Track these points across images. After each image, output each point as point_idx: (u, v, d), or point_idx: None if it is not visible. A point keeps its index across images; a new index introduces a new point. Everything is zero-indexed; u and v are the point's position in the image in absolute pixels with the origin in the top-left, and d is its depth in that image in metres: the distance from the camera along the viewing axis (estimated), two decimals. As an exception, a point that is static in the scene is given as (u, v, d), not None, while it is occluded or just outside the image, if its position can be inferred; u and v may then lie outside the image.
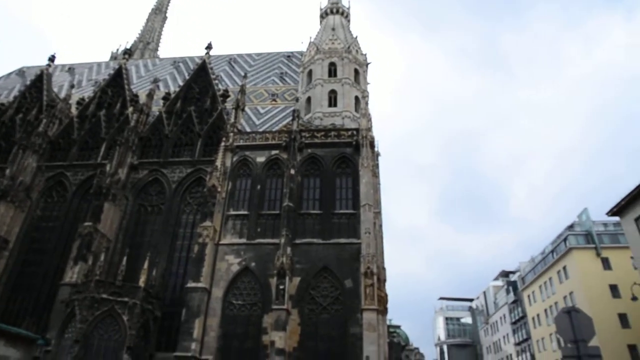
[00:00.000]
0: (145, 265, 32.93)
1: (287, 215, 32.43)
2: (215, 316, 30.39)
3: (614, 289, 46.26)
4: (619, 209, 40.95)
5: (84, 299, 30.03)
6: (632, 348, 43.69)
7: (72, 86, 51.37)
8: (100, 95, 46.85)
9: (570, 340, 6.98)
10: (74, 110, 46.24)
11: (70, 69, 60.59)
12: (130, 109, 43.74)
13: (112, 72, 50.71)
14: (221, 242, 32.91)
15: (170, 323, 32.86)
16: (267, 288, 30.56)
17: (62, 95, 49.58)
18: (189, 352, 28.42)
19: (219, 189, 34.29)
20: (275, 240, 31.82)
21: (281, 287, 29.66)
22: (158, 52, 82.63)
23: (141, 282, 32.20)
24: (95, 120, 44.36)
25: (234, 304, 30.98)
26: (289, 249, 30.98)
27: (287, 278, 29.92)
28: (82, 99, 47.60)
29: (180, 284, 34.31)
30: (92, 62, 63.24)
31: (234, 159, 36.79)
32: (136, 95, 46.73)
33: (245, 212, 34.22)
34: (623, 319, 44.99)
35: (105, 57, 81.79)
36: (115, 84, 47.95)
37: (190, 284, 30.77)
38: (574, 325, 7.01)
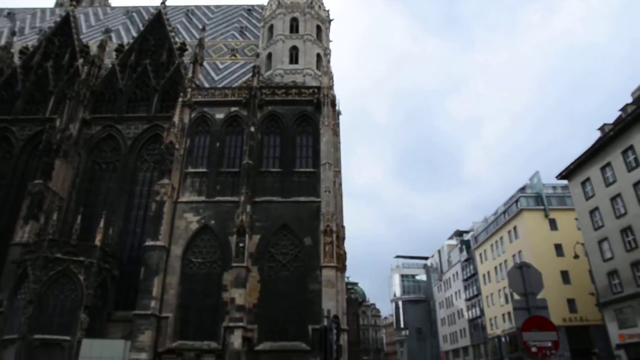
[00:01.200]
0: (101, 224, 32.13)
1: (246, 173, 32.02)
2: (174, 274, 30.22)
3: (558, 248, 48.86)
4: (568, 173, 42.86)
5: (36, 258, 29.13)
6: (570, 302, 46.99)
7: (13, 33, 47.65)
8: (46, 44, 43.75)
9: (520, 293, 7.24)
10: (16, 60, 43.26)
11: (10, 14, 55.68)
12: (81, 61, 41.27)
13: (58, 19, 47.28)
14: (180, 200, 32.32)
15: (129, 282, 32.47)
16: (226, 246, 30.48)
17: (2, 42, 46.15)
18: (149, 310, 28.29)
19: (177, 146, 33.33)
20: (235, 198, 31.50)
21: (241, 245, 29.64)
22: (109, 0, 77.56)
23: (97, 241, 31.48)
24: (42, 72, 41.57)
25: (194, 262, 30.83)
26: (248, 207, 30.79)
27: (246, 236, 29.88)
28: (26, 47, 44.36)
29: (138, 242, 33.75)
30: (35, 7, 58.30)
31: (192, 115, 35.69)
32: (86, 46, 44.03)
33: (204, 170, 33.57)
34: (565, 275, 47.88)
35: (50, 3, 76.07)
36: (62, 32, 44.85)
37: (149, 243, 30.29)
38: (524, 279, 7.29)
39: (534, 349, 6.53)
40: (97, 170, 37.18)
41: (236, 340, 27.35)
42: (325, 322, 6.57)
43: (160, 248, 29.98)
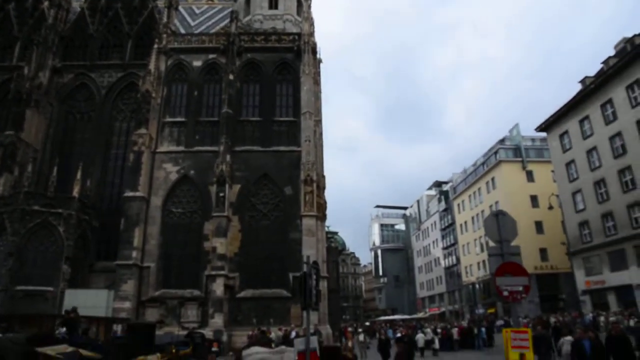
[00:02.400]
0: (78, 176, 31.58)
1: (226, 122, 31.48)
2: (155, 224, 30.19)
3: (534, 200, 50.08)
4: (547, 126, 43.26)
5: (13, 211, 28.72)
6: (542, 251, 48.80)
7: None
8: (7, -15, 41.15)
9: (495, 240, 7.36)
10: (-26, 3, 40.68)
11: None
12: (46, 4, 38.84)
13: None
14: (158, 150, 31.77)
15: (110, 233, 32.33)
16: (207, 196, 30.40)
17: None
18: (130, 260, 28.43)
19: (154, 95, 32.35)
20: (215, 148, 31.11)
21: (221, 194, 29.60)
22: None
23: (75, 192, 31.06)
24: (4, 15, 39.08)
25: (174, 212, 30.76)
26: (228, 157, 30.50)
27: (227, 185, 29.79)
28: (-16, -11, 41.71)
29: (117, 193, 33.40)
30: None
31: (169, 62, 34.46)
32: (52, -12, 41.51)
33: (183, 119, 32.86)
34: (539, 226, 49.42)
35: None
36: (24, -27, 42.09)
37: (128, 193, 30.00)
38: (500, 226, 7.41)
39: (505, 293, 6.75)
40: (71, 120, 36.08)
41: (218, 288, 27.88)
42: (305, 268, 6.63)
43: (139, 199, 29.75)
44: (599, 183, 36.41)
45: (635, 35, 35.46)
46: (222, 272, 28.22)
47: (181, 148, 31.92)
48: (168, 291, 28.92)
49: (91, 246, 32.34)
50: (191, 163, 31.44)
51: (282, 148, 31.72)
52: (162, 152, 31.72)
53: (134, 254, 28.66)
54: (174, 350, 8.17)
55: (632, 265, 33.05)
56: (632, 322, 29.04)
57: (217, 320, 27.06)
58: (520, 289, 6.73)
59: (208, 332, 24.14)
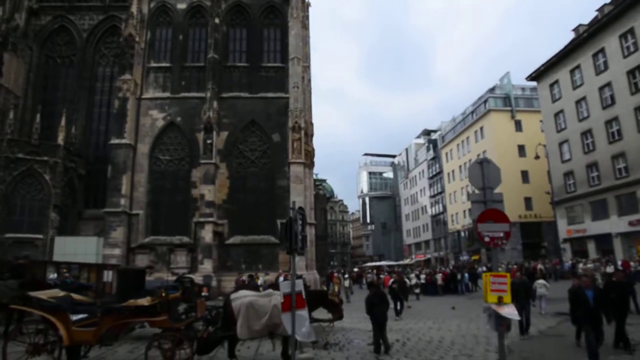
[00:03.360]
0: (63, 123, 30.98)
1: (212, 67, 30.63)
2: (142, 172, 30.01)
3: (521, 149, 50.42)
4: (538, 75, 42.80)
5: (-3, 158, 28.32)
6: (527, 200, 49.71)
7: None
8: None
9: (479, 187, 7.38)
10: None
11: None
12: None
13: None
14: (143, 96, 31.02)
15: (97, 180, 32.24)
16: (194, 143, 30.09)
17: None
18: (119, 208, 28.45)
19: (137, 39, 31.18)
20: (201, 94, 30.44)
21: (209, 141, 29.30)
22: None
23: (60, 140, 30.59)
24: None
25: (161, 159, 30.52)
26: (215, 103, 29.94)
27: (214, 132, 29.45)
28: None
29: (103, 141, 32.95)
30: None
31: (152, 5, 32.96)
32: None
33: (168, 65, 31.88)
34: (525, 175, 50.07)
35: None
36: None
37: (114, 141, 29.56)
38: (484, 174, 7.39)
39: (487, 239, 6.86)
40: (52, 65, 34.88)
41: (207, 234, 28.20)
42: (291, 214, 6.67)
43: (126, 146, 29.37)
44: (586, 134, 36.64)
45: (632, -18, 34.53)
46: (210, 219, 28.44)
47: (167, 94, 31.19)
48: (157, 238, 29.21)
49: (79, 194, 32.29)
50: (177, 110, 30.86)
51: (269, 95, 31.14)
52: (147, 99, 31.01)
53: (122, 201, 28.63)
54: (163, 294, 8.27)
55: (613, 214, 33.94)
56: (609, 269, 30.28)
57: (207, 266, 27.58)
58: (501, 235, 6.84)
59: (197, 278, 24.60)
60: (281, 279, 18.78)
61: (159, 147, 30.62)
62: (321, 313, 10.13)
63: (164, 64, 31.86)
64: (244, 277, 21.13)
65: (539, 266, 33.07)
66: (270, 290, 8.88)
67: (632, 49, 32.25)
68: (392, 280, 17.83)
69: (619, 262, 30.74)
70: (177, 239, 29.17)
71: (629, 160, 32.46)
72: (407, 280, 26.05)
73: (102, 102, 34.33)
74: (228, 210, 29.57)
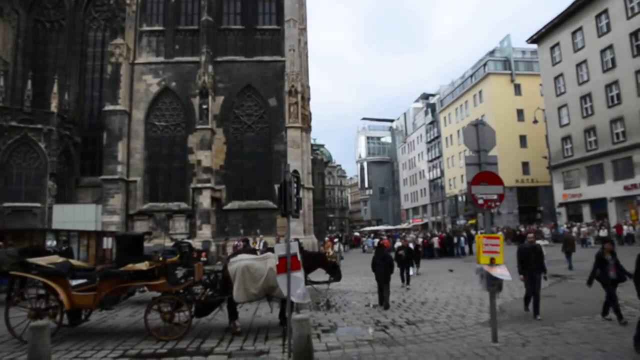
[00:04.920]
0: (55, 89, 30.53)
1: (206, 31, 29.97)
2: (138, 138, 29.83)
3: (520, 113, 50.03)
4: (539, 37, 41.99)
5: (-11, 126, 28.03)
6: (525, 164, 49.70)
7: None
8: None
9: (474, 150, 7.35)
10: None
11: None
12: None
13: None
14: (137, 61, 30.48)
15: (93, 148, 32.13)
16: (190, 108, 29.79)
17: None
18: (116, 175, 28.44)
19: (128, 1, 30.39)
20: (196, 58, 29.91)
21: (204, 106, 29.01)
22: None
23: (53, 107, 30.24)
24: None
25: (157, 125, 30.27)
26: (210, 67, 29.45)
27: (210, 97, 29.11)
28: None
29: (98, 107, 32.63)
30: None
31: (142, -36, 31.95)
32: None
33: (161, 28, 31.15)
34: (522, 139, 49.88)
35: None
36: None
37: (108, 107, 29.24)
38: (479, 136, 7.35)
39: (480, 201, 6.89)
40: (41, 30, 34.10)
41: (205, 200, 28.33)
42: (285, 177, 6.66)
43: (121, 112, 29.08)
44: (585, 97, 36.31)
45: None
46: (208, 185, 28.50)
47: (161, 59, 30.62)
48: (155, 204, 29.34)
49: (75, 162, 32.19)
50: (172, 74, 30.38)
51: (265, 58, 30.59)
52: (141, 64, 30.47)
53: (119, 168, 28.59)
54: (160, 259, 8.36)
55: (609, 179, 34.07)
56: (603, 232, 30.71)
57: (205, 232, 27.83)
58: (495, 197, 6.87)
59: (196, 243, 24.87)
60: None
61: (154, 113, 30.33)
62: (319, 276, 10.29)
63: (156, 28, 31.14)
64: (237, 242, 21.32)
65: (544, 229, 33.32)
66: (268, 254, 8.96)
67: (636, 9, 31.53)
68: (397, 245, 17.23)
69: (612, 226, 31.18)
70: (175, 205, 29.31)
71: (627, 125, 32.32)
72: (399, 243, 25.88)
73: (95, 67, 33.78)
74: (225, 176, 29.59)
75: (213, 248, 27.04)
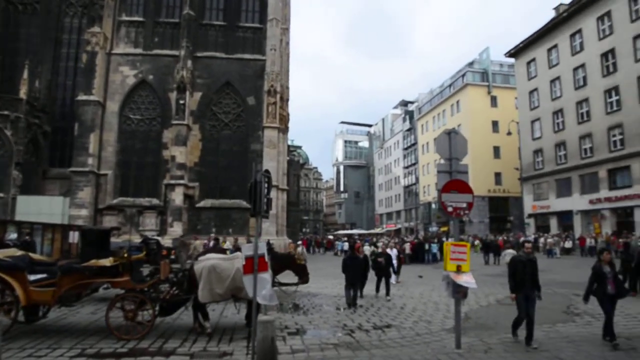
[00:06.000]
0: (25, 75, 29.58)
1: (187, 24, 29.61)
2: (111, 131, 29.20)
3: (495, 125, 51.12)
4: (516, 51, 43.00)
5: (-47, 110, 26.94)
6: (497, 175, 50.84)
7: None
8: None
9: (445, 158, 7.42)
10: None
11: None
12: None
13: None
14: (114, 51, 29.87)
15: (64, 138, 31.22)
16: (166, 102, 29.32)
17: None
18: (86, 167, 27.78)
19: (107, -11, 29.77)
20: (175, 52, 29.49)
21: (181, 102, 28.62)
22: None
23: (22, 93, 29.28)
24: None
25: (132, 118, 29.69)
26: (189, 62, 29.08)
27: (187, 93, 28.73)
28: None
29: (71, 97, 31.70)
30: None
31: (124, -48, 31.34)
32: None
33: (141, 19, 30.59)
34: (496, 150, 51.06)
35: None
36: None
37: (82, 97, 28.56)
38: (451, 144, 7.42)
39: (450, 209, 6.96)
40: (12, 12, 32.91)
41: (177, 197, 27.91)
42: (256, 176, 6.59)
43: (94, 103, 28.43)
44: (557, 113, 37.31)
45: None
46: (181, 182, 28.09)
47: (139, 50, 30.07)
48: (126, 199, 28.75)
49: (44, 152, 31.19)
50: (150, 67, 29.86)
51: (246, 56, 30.37)
52: (118, 54, 29.87)
53: (90, 160, 27.93)
54: (125, 255, 8.14)
55: (576, 192, 35.06)
56: (568, 244, 31.57)
57: (176, 229, 27.38)
58: (464, 205, 6.95)
59: (166, 240, 24.44)
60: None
61: (130, 106, 29.75)
62: (288, 277, 10.21)
63: (136, 18, 30.58)
64: (203, 240, 21.06)
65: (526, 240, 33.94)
66: (236, 254, 8.84)
67: (607, 32, 32.63)
68: (366, 249, 16.64)
69: (577, 238, 32.09)
70: (146, 201, 28.77)
71: (595, 142, 33.36)
72: (369, 247, 25.05)
73: (70, 55, 32.83)
74: (200, 173, 29.22)
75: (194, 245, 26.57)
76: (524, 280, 7.37)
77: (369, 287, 13.07)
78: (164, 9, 31.02)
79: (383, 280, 13.15)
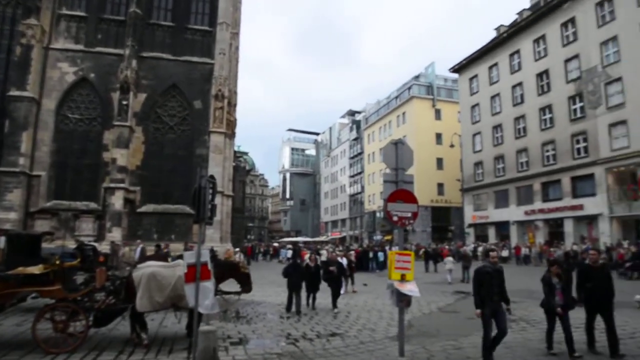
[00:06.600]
0: (-53, 64, 27.42)
1: (133, 23, 28.52)
2: (47, 130, 27.51)
3: (438, 137, 53.19)
4: (460, 67, 44.99)
5: None
6: (440, 185, 52.84)
7: None
8: None
9: (392, 167, 7.51)
10: None
11: None
12: None
13: None
14: (52, 46, 28.22)
15: (-9, 136, 29.09)
16: (108, 103, 28.03)
17: None
18: (17, 168, 25.97)
19: (46, -21, 28.21)
20: (119, 51, 28.29)
21: (124, 102, 27.47)
22: None
23: (-58, 84, 27.12)
24: None
25: (70, 117, 28.13)
26: (134, 62, 28.01)
27: (131, 93, 27.61)
28: None
29: (1, 92, 29.61)
30: None
31: (67, -59, 29.88)
32: None
33: (83, 14, 29.11)
34: (439, 162, 53.07)
35: None
36: None
37: (14, 93, 26.75)
38: (397, 154, 7.52)
39: (395, 218, 7.07)
40: None
41: (117, 201, 26.69)
42: (200, 181, 6.41)
43: (28, 100, 26.72)
44: (497, 127, 39.26)
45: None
46: (122, 185, 26.89)
47: (80, 47, 28.60)
48: (61, 202, 27.11)
49: (-32, 148, 28.93)
50: (91, 65, 28.46)
51: (194, 59, 29.63)
52: (56, 49, 28.26)
53: (21, 160, 26.18)
54: (57, 262, 7.63)
55: (512, 204, 36.94)
56: (504, 253, 33.10)
57: (115, 235, 26.10)
58: (409, 215, 7.09)
59: (104, 246, 23.26)
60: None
61: (68, 105, 28.18)
62: (230, 285, 9.99)
63: (78, 13, 29.08)
64: (137, 247, 20.43)
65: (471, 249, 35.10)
66: (178, 261, 8.53)
67: (542, 54, 34.84)
68: (320, 259, 15.94)
69: (513, 247, 33.72)
70: (83, 205, 27.29)
71: (530, 156, 35.38)
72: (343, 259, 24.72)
73: (1, 47, 30.64)
74: (142, 177, 28.11)
75: (122, 252, 25.45)
76: (491, 294, 6.69)
77: (323, 300, 12.72)
78: (109, 5, 29.69)
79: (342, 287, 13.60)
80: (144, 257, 17.02)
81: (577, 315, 7.72)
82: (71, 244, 20.36)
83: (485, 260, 7.94)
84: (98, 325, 8.20)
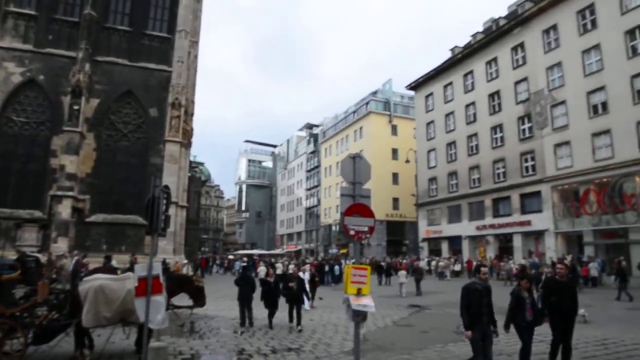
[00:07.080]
0: None
1: (88, 25, 27.64)
2: (-11, 132, 26.05)
3: (394, 152, 54.21)
4: (416, 85, 46.28)
5: None
6: (395, 200, 53.74)
7: None
8: None
9: (349, 181, 7.51)
10: None
11: None
12: None
13: None
14: (-3, 44, 26.90)
15: None
16: (58, 107, 26.87)
17: None
18: (-48, 171, 24.38)
19: (-8, -26, 26.92)
20: (72, 54, 27.28)
21: (76, 107, 26.42)
22: None
23: None
24: None
25: (15, 120, 26.74)
26: (87, 66, 27.06)
27: (83, 98, 26.63)
28: None
29: (-61, 90, 27.87)
30: None
31: (18, -62, 28.67)
32: None
33: (33, 12, 27.91)
34: (395, 177, 54.05)
35: None
36: None
37: (-47, 92, 25.20)
38: (355, 168, 7.53)
39: (352, 232, 7.07)
40: None
41: (65, 210, 25.49)
42: (154, 191, 6.19)
43: (-32, 100, 25.23)
44: (451, 144, 40.48)
45: (500, 17, 38.96)
46: (70, 193, 25.72)
47: (29, 47, 27.33)
48: (2, 211, 25.55)
49: None
50: (41, 66, 27.26)
51: (151, 65, 28.98)
52: (2, 48, 26.90)
53: (-42, 164, 24.58)
54: (-7, 275, 7.14)
55: (465, 219, 38.04)
56: (457, 267, 33.93)
57: (61, 245, 24.86)
58: (366, 229, 7.11)
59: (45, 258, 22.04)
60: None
61: (13, 107, 26.81)
62: (182, 299, 9.67)
63: (27, 11, 27.88)
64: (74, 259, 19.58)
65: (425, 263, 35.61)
66: (127, 274, 8.18)
67: (494, 75, 36.40)
68: (278, 274, 15.56)
69: (465, 261, 34.62)
70: (27, 213, 25.85)
71: (482, 173, 36.65)
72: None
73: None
74: (92, 185, 27.01)
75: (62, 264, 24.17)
76: (480, 314, 6.27)
77: (280, 314, 12.08)
78: (62, 5, 28.65)
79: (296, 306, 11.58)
80: (78, 270, 16.36)
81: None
82: (12, 255, 19.19)
83: (475, 276, 7.47)
84: (39, 343, 7.70)
